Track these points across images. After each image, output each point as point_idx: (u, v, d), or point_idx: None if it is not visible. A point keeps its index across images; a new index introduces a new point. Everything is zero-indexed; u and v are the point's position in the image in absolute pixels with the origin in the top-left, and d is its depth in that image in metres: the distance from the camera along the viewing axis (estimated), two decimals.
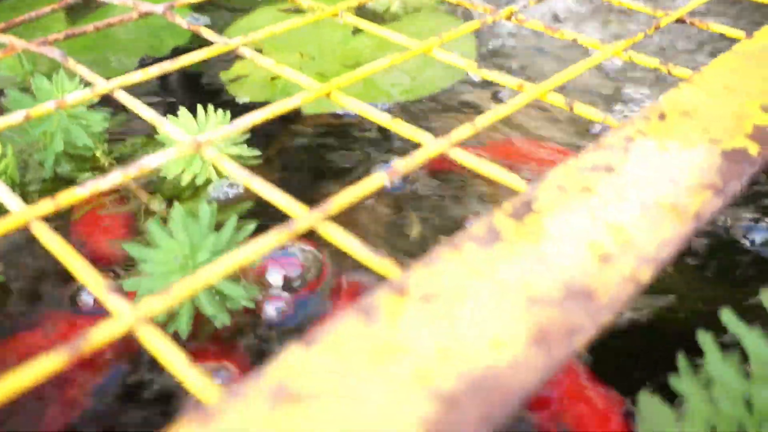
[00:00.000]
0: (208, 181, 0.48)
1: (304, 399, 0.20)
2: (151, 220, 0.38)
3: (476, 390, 0.21)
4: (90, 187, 0.29)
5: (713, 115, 0.35)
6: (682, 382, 0.27)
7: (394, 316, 0.23)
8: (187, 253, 0.37)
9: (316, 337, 0.22)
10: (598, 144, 0.33)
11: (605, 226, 0.28)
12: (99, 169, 0.51)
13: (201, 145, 0.32)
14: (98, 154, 0.51)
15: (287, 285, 0.44)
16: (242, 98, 0.64)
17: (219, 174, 0.48)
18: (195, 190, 0.48)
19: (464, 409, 0.20)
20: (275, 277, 0.45)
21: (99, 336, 0.23)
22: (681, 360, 0.27)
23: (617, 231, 0.27)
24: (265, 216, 0.47)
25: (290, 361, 0.22)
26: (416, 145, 0.51)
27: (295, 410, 0.20)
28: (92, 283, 0.25)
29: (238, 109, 0.62)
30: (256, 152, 0.50)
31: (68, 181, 0.49)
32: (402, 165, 0.32)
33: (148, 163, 0.31)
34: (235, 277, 0.41)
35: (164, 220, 0.42)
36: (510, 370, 0.22)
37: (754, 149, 0.33)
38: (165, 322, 0.39)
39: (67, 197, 0.29)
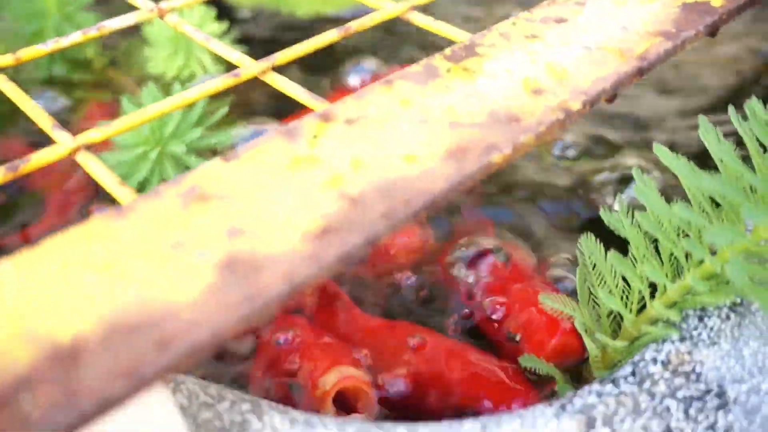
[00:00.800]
0: (192, 76, 0.49)
1: (216, 198, 0.21)
2: (125, 95, 0.40)
3: (383, 193, 0.22)
4: (51, 44, 0.31)
5: None
6: (613, 216, 0.27)
7: (317, 136, 0.24)
8: (154, 125, 0.38)
9: (237, 152, 0.23)
10: (553, 0, 0.32)
11: (544, 65, 0.28)
12: (92, 71, 0.52)
13: (164, 12, 0.33)
14: (90, 54, 0.52)
15: None
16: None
17: (203, 68, 0.49)
18: (183, 84, 0.49)
19: (368, 207, 0.21)
20: None
21: (39, 158, 0.25)
22: (618, 199, 0.28)
23: (554, 69, 0.27)
24: (247, 110, 0.48)
25: (208, 171, 0.23)
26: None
27: (206, 207, 0.21)
28: (41, 120, 0.27)
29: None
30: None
31: (63, 82, 0.51)
32: (356, 24, 0.32)
33: (107, 24, 0.32)
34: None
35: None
36: (420, 178, 0.22)
37: (717, 2, 0.32)
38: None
39: (28, 53, 0.30)
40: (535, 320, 0.31)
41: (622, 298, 0.27)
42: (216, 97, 0.49)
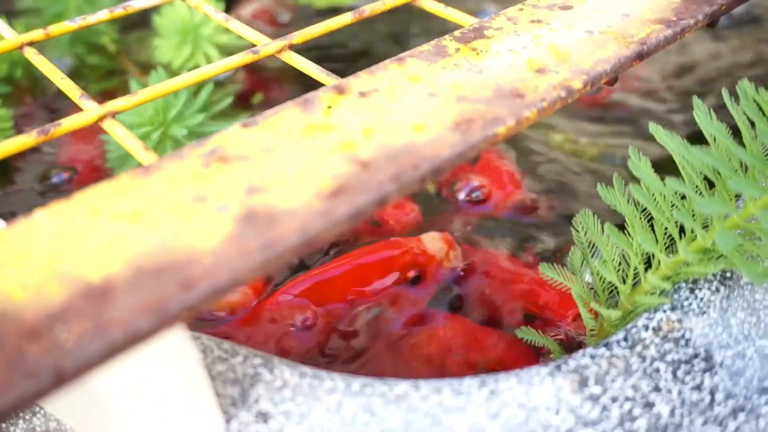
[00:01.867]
0: (197, 68, 0.50)
1: (236, 159, 0.23)
2: (133, 78, 0.41)
3: (391, 157, 0.23)
4: (79, 21, 0.32)
5: None
6: (612, 194, 0.28)
7: (331, 106, 0.25)
8: (159, 107, 0.40)
9: (256, 120, 0.25)
10: None
11: (547, 47, 0.29)
12: (108, 55, 0.54)
13: None
14: (106, 40, 0.54)
15: None
16: None
17: (209, 60, 0.50)
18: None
19: (377, 170, 0.23)
20: None
21: (69, 123, 0.26)
22: (615, 178, 0.29)
23: (557, 51, 0.29)
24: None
25: (229, 135, 0.24)
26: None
27: (226, 167, 0.23)
28: (70, 90, 0.28)
29: None
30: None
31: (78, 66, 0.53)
32: (370, 7, 0.34)
33: (134, 3, 0.33)
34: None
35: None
36: (426, 145, 0.24)
37: None
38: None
39: (57, 28, 0.32)
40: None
41: (617, 272, 0.29)
42: (222, 88, 0.51)
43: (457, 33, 0.30)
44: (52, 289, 0.18)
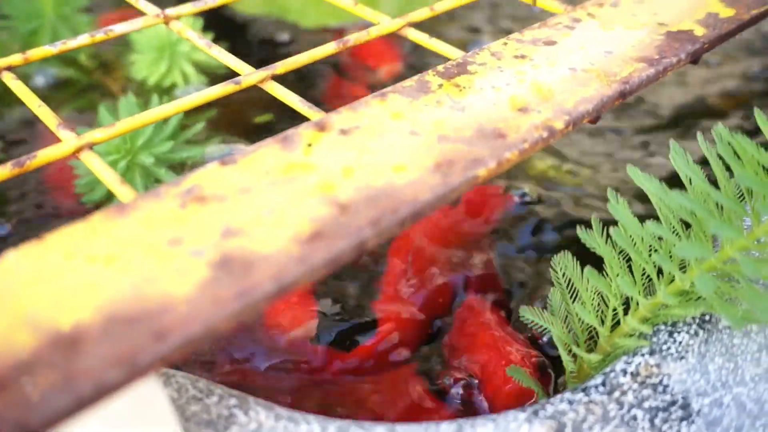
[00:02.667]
0: (173, 85, 0.50)
1: (213, 200, 0.23)
2: (103, 103, 0.41)
3: (371, 200, 0.23)
4: (59, 45, 0.32)
5: (669, 3, 0.36)
6: (591, 236, 0.28)
7: (311, 144, 0.25)
8: (127, 138, 0.39)
9: (234, 158, 0.25)
10: (544, 23, 0.34)
11: (530, 84, 0.29)
12: (84, 71, 0.54)
13: (169, 19, 0.34)
14: (83, 59, 0.54)
15: None
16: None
17: (185, 77, 0.50)
18: (168, 91, 0.50)
19: (356, 214, 0.22)
20: None
21: (45, 155, 0.26)
22: (593, 220, 0.29)
23: (540, 89, 0.29)
24: (230, 126, 0.49)
25: (206, 174, 0.24)
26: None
27: (203, 208, 0.22)
28: (47, 119, 0.28)
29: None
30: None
31: (55, 81, 0.53)
32: (354, 37, 0.33)
33: (115, 28, 0.33)
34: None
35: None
36: (407, 187, 0.24)
37: (700, 31, 0.33)
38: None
39: (36, 53, 0.31)
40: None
41: (596, 314, 0.29)
42: (194, 112, 0.51)
43: (440, 68, 0.30)
44: (20, 337, 0.18)
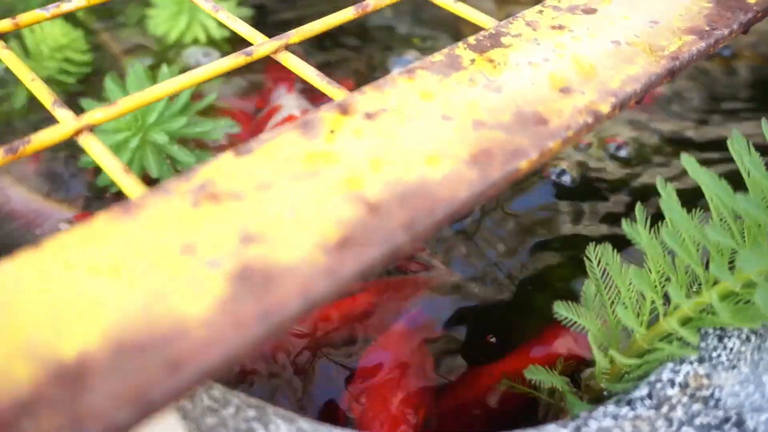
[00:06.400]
0: (195, 41, 0.47)
1: (228, 198, 0.20)
2: (109, 74, 0.38)
3: (403, 198, 0.21)
4: (52, 9, 0.29)
5: None
6: (635, 228, 0.26)
7: (334, 130, 0.23)
8: (137, 113, 0.37)
9: (251, 146, 0.22)
10: None
11: (570, 59, 0.26)
12: (88, 31, 0.50)
13: None
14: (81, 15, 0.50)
15: None
16: None
17: (207, 34, 0.47)
18: (177, 53, 0.47)
19: (387, 215, 0.20)
20: None
21: (40, 139, 0.23)
22: (638, 209, 0.27)
23: (581, 64, 0.26)
24: None
25: (219, 166, 0.21)
26: None
27: (217, 208, 0.20)
28: (42, 95, 0.25)
29: None
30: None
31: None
32: (374, 1, 0.31)
33: None
34: (190, 145, 0.41)
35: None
36: (442, 184, 0.21)
37: None
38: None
39: (28, 18, 0.29)
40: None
41: (633, 310, 0.27)
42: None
43: (471, 39, 0.27)
44: (19, 369, 0.16)
